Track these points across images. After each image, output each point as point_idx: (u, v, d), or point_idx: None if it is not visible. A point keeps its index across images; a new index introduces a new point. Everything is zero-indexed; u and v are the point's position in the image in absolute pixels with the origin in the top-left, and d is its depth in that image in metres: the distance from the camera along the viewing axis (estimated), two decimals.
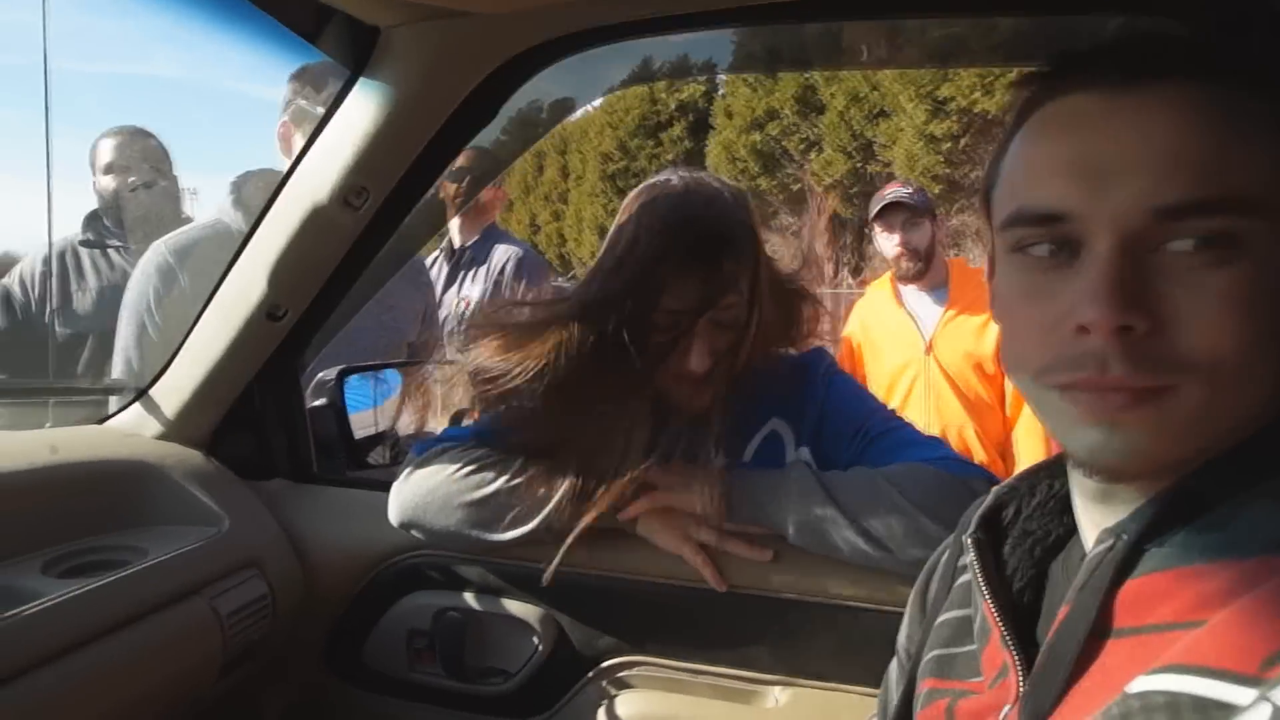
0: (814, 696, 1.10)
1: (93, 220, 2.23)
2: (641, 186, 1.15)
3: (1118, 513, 0.53)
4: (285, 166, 1.14)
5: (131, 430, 1.29)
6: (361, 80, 1.01)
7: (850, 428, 1.18)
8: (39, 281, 2.13)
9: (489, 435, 1.16)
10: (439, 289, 2.55)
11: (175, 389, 1.26)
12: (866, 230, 2.79)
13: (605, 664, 1.18)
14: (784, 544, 1.06)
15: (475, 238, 2.59)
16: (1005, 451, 2.41)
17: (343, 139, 1.05)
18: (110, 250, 2.21)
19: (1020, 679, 0.54)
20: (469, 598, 1.22)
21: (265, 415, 1.34)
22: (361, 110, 1.03)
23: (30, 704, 0.84)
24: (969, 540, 0.64)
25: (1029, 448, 2.28)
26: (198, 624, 1.05)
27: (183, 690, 1.07)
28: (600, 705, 1.17)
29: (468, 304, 2.50)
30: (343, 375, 1.47)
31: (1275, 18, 0.79)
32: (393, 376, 1.67)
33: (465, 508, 1.11)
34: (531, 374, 1.06)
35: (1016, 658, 0.56)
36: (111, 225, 2.23)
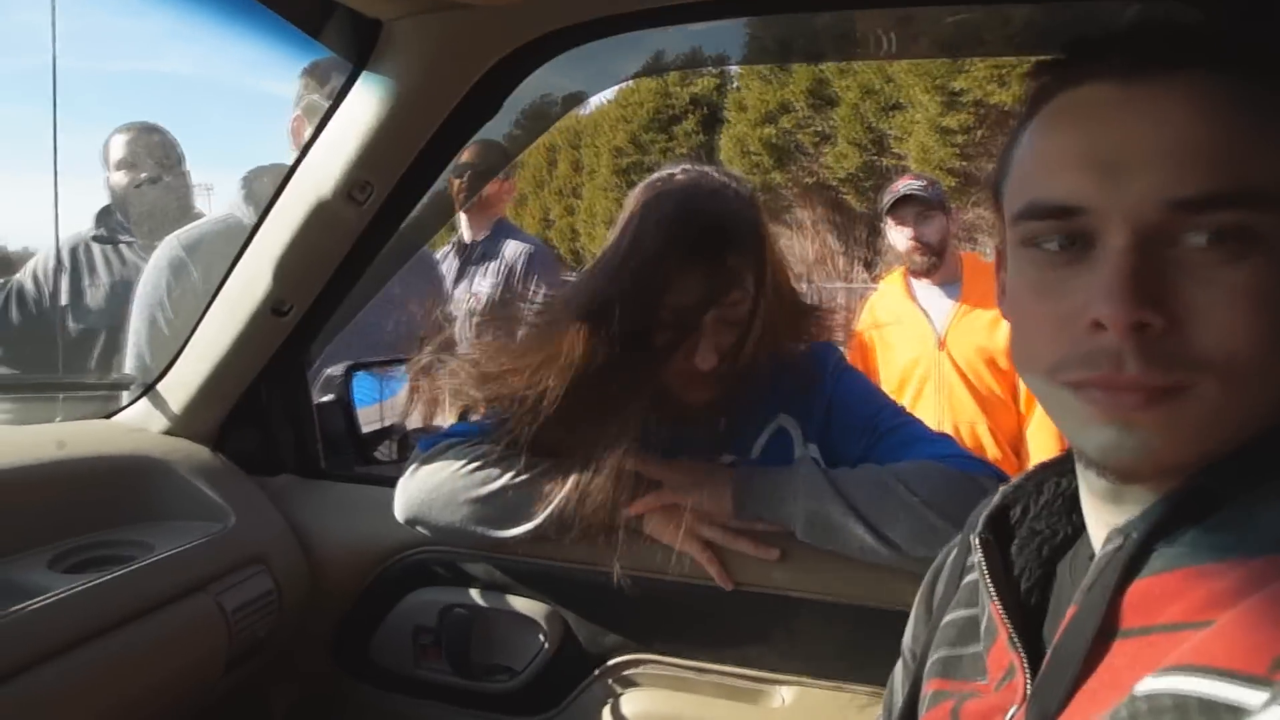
0: (820, 696, 1.09)
1: (105, 216, 2.23)
2: (646, 181, 1.14)
3: (1127, 512, 0.52)
4: None
5: (138, 425, 1.29)
6: (364, 74, 1.01)
7: (859, 424, 1.17)
8: (52, 277, 2.14)
9: (495, 432, 1.15)
10: (449, 284, 2.54)
11: (182, 384, 1.26)
12: (879, 224, 2.76)
13: (611, 662, 1.18)
14: (791, 542, 1.06)
15: (486, 233, 2.58)
16: (1018, 448, 2.39)
17: (346, 133, 1.05)
18: (123, 246, 2.21)
19: (1027, 680, 0.54)
20: (475, 594, 1.21)
21: (272, 411, 1.34)
22: (364, 104, 1.02)
23: (36, 698, 0.84)
24: (976, 540, 0.63)
25: (1042, 444, 2.26)
26: (203, 619, 1.06)
27: (188, 685, 1.07)
28: (606, 703, 1.17)
29: (478, 299, 2.49)
30: (350, 371, 1.47)
31: None
32: (402, 371, 1.66)
33: (470, 504, 1.11)
34: (537, 372, 1.06)
35: (1023, 658, 0.55)
36: (124, 221, 2.23)
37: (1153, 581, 0.48)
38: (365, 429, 1.51)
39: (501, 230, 2.61)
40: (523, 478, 1.10)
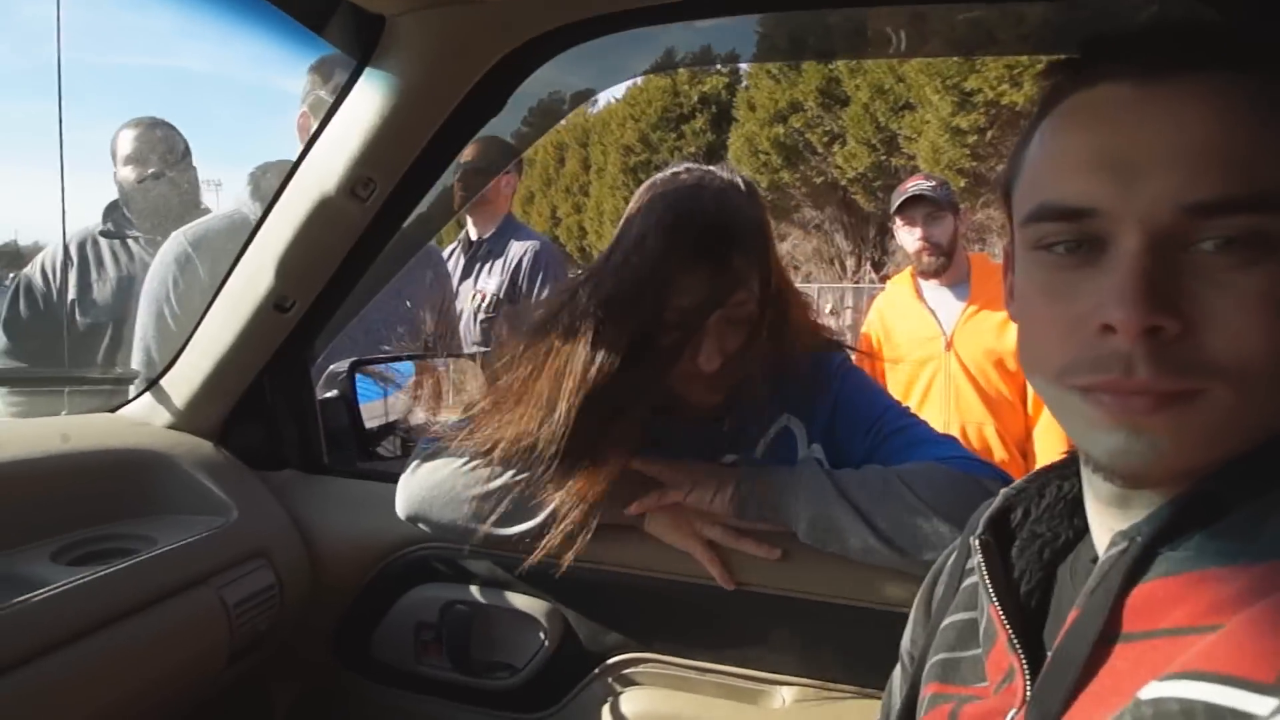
0: (821, 697, 1.08)
1: (113, 211, 2.24)
2: (650, 181, 1.14)
3: (1133, 517, 0.51)
4: None
5: (143, 419, 1.30)
6: (367, 70, 1.00)
7: (863, 425, 1.16)
8: (60, 271, 2.15)
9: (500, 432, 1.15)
10: (455, 281, 2.54)
11: (185, 379, 1.27)
12: (889, 224, 2.75)
13: (611, 660, 1.17)
14: (794, 542, 1.05)
15: (492, 230, 2.58)
16: (1026, 450, 2.38)
17: (349, 130, 1.05)
18: (130, 241, 2.22)
19: (1027, 683, 0.53)
20: (476, 591, 1.21)
21: (276, 406, 1.35)
22: (367, 100, 1.02)
23: (38, 690, 0.84)
24: (976, 542, 0.63)
25: (1049, 447, 2.24)
26: (205, 613, 1.06)
27: (190, 678, 1.07)
28: (606, 702, 1.16)
29: (483, 297, 2.49)
30: (354, 367, 1.47)
31: None
32: (406, 368, 1.67)
33: (471, 501, 1.11)
34: (541, 372, 1.05)
35: (1023, 661, 0.54)
36: (131, 216, 2.24)
37: (1156, 585, 0.47)
38: (369, 425, 1.51)
39: (508, 228, 2.60)
40: (524, 476, 1.09)
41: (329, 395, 1.44)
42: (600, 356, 1.03)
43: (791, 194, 15.96)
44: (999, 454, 2.35)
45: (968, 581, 0.68)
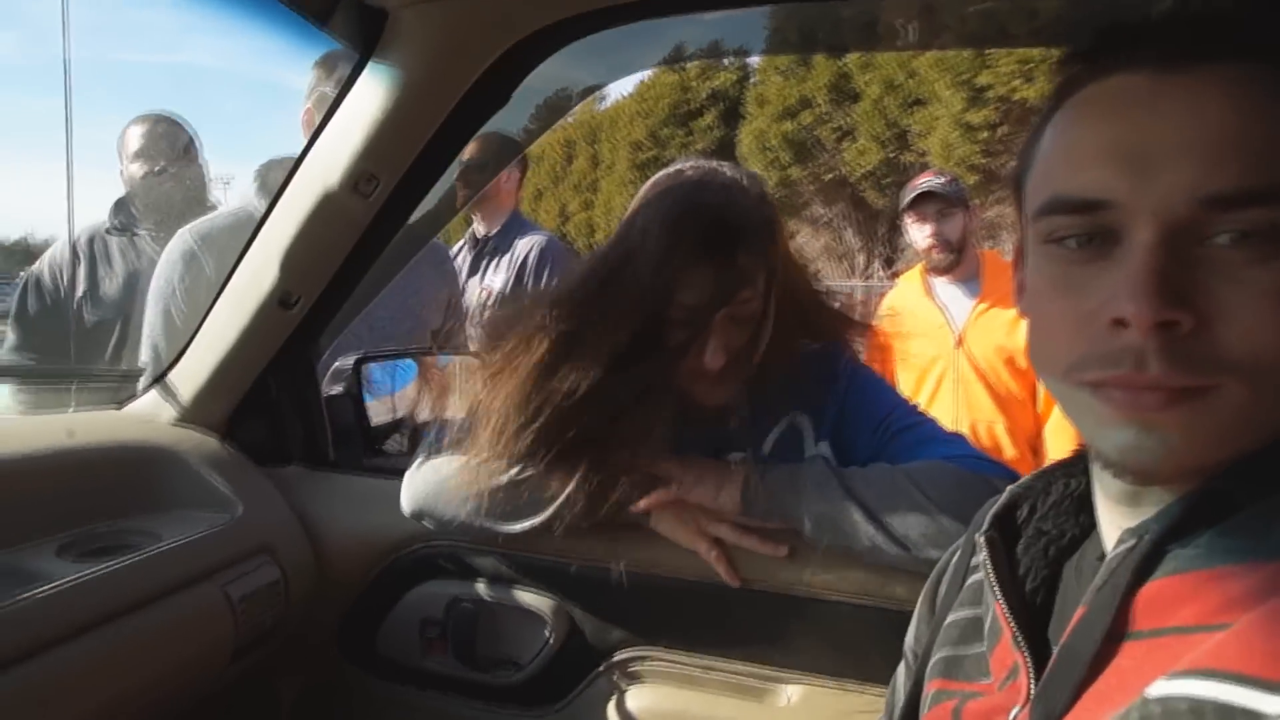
0: (827, 695, 1.08)
1: (120, 207, 2.24)
2: (655, 177, 1.13)
3: (1143, 515, 0.51)
4: None
5: (148, 415, 1.30)
6: (370, 64, 1.00)
7: (871, 422, 1.15)
8: (68, 268, 2.15)
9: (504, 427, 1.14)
10: (463, 278, 2.54)
11: (191, 375, 1.27)
12: (899, 221, 2.74)
13: (616, 657, 1.17)
14: (800, 540, 1.04)
15: (498, 227, 2.58)
16: (1036, 448, 2.37)
17: (352, 125, 1.04)
18: (138, 237, 2.22)
19: (1031, 680, 0.53)
20: (481, 588, 1.21)
21: (281, 402, 1.35)
22: (370, 95, 1.02)
23: (43, 685, 0.85)
24: (981, 539, 0.62)
25: (1060, 444, 2.23)
26: (209, 609, 1.06)
27: (195, 674, 1.08)
28: (611, 698, 1.16)
29: (489, 294, 2.49)
30: (360, 363, 1.47)
31: None
32: (412, 365, 1.66)
33: (476, 498, 1.10)
34: (541, 367, 1.05)
35: (1028, 658, 0.54)
36: (139, 212, 2.24)
37: (1165, 583, 0.47)
38: (376, 421, 1.51)
39: (514, 224, 2.59)
40: (529, 473, 1.09)
41: (335, 391, 1.44)
42: (600, 349, 1.02)
43: (801, 190, 15.91)
44: (1009, 452, 2.34)
45: (972, 578, 0.68)
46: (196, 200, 2.26)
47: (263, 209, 1.52)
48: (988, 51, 11.07)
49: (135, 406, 1.32)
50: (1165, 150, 0.46)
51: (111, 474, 1.13)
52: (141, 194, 2.21)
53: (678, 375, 1.06)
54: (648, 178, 1.15)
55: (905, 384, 2.49)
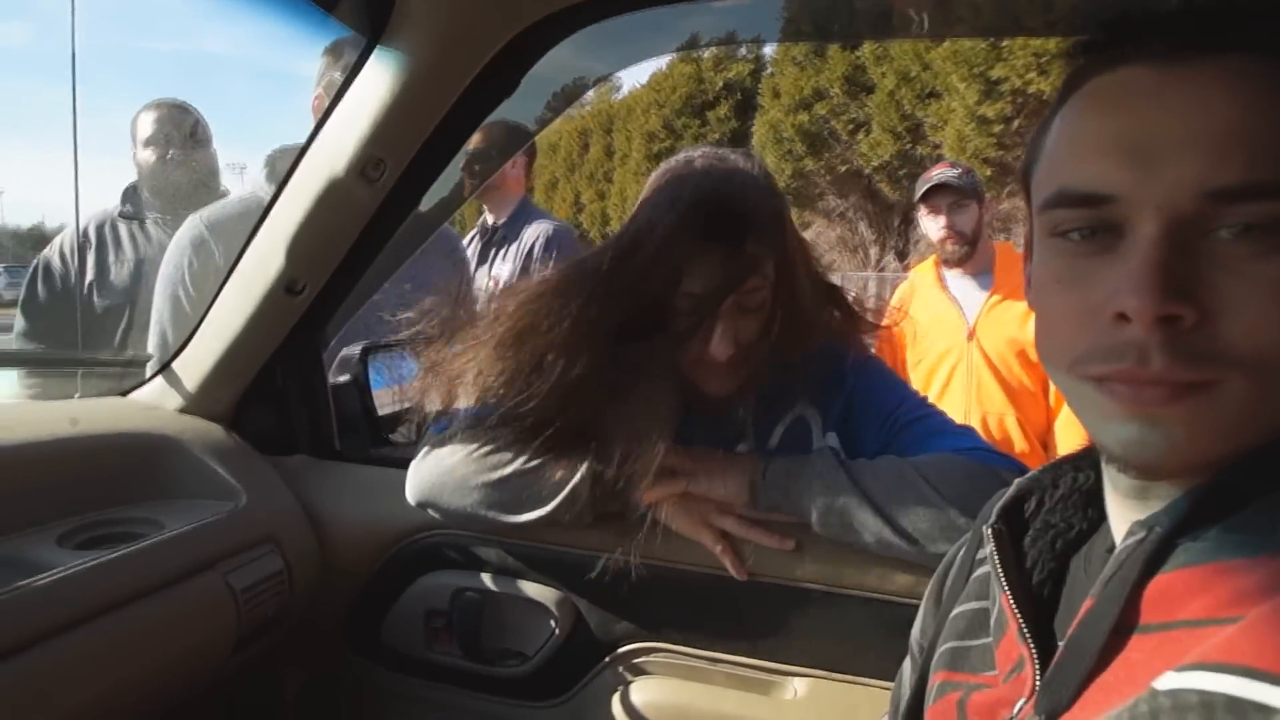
0: (834, 688, 1.07)
1: (131, 193, 2.24)
2: (664, 165, 1.12)
3: (1152, 506, 0.51)
4: None
5: (153, 403, 1.29)
6: (377, 49, 0.99)
7: (880, 415, 1.14)
8: (78, 253, 2.15)
9: (509, 415, 1.13)
10: (473, 268, 2.53)
11: (196, 362, 1.26)
12: (913, 213, 2.72)
13: (622, 650, 1.17)
14: (807, 533, 1.03)
15: (506, 216, 2.56)
16: (1047, 441, 2.35)
17: (358, 110, 1.03)
18: (149, 223, 2.22)
19: (1036, 673, 0.53)
20: (487, 579, 1.21)
21: (287, 390, 1.34)
22: (378, 80, 1.00)
23: (43, 674, 0.84)
24: (988, 531, 0.62)
25: (1071, 438, 2.21)
26: (212, 598, 1.05)
27: (197, 664, 1.07)
28: (616, 691, 1.15)
29: (497, 283, 2.48)
30: (366, 351, 1.46)
31: None
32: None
33: (482, 488, 1.10)
34: (544, 355, 1.04)
35: (1033, 651, 0.54)
36: (150, 198, 2.24)
37: (1175, 577, 0.46)
38: (383, 410, 1.50)
39: (522, 212, 2.58)
40: (535, 463, 1.08)
41: (341, 380, 1.43)
42: (606, 337, 1.01)
43: (816, 182, 15.86)
44: (1020, 445, 2.32)
45: (979, 571, 0.68)
46: (208, 186, 2.25)
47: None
48: (1003, 44, 11.00)
49: (140, 394, 1.32)
50: (1170, 144, 0.46)
51: (114, 462, 1.13)
52: (153, 180, 2.21)
53: (685, 364, 1.05)
54: None
55: (917, 376, 2.48)
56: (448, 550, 1.22)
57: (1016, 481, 0.66)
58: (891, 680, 0.84)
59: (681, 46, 1.26)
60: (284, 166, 1.85)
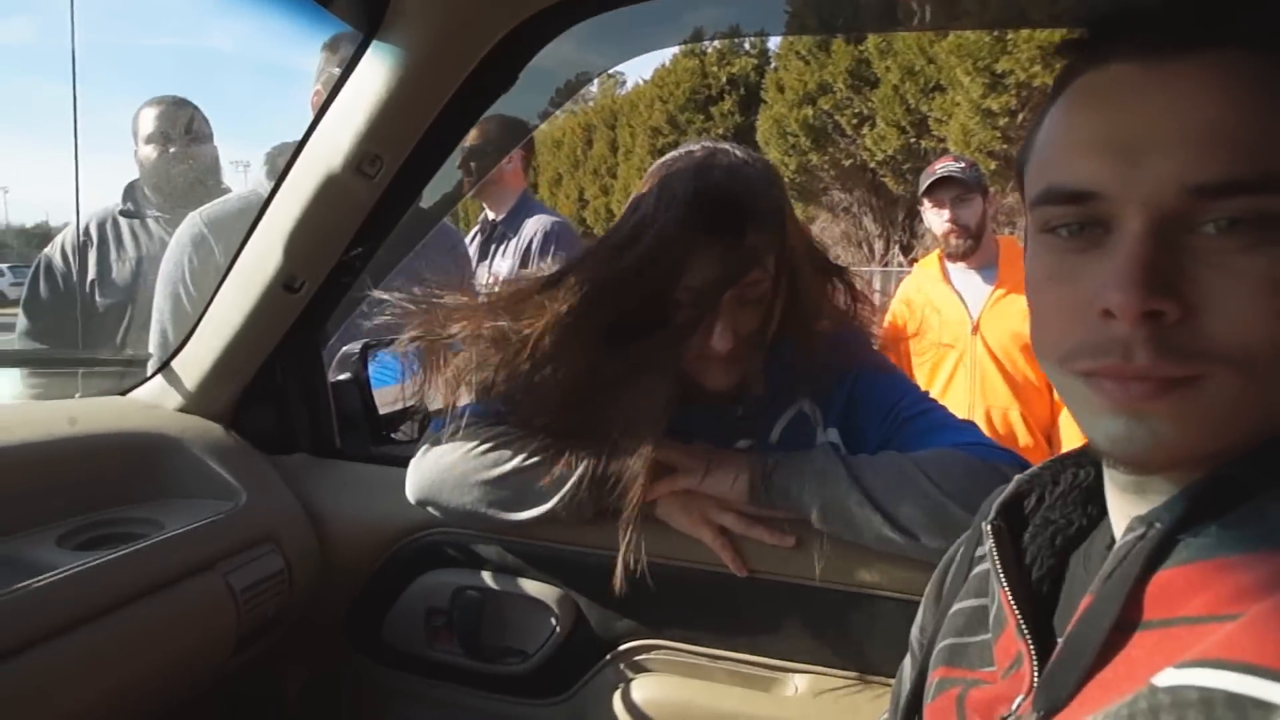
0: (835, 685, 1.07)
1: (133, 190, 2.24)
2: (663, 158, 1.11)
3: (1150, 502, 0.51)
4: None
5: (153, 402, 1.29)
6: (373, 44, 0.98)
7: (881, 409, 1.14)
8: (79, 252, 2.15)
9: (508, 413, 1.13)
10: (474, 264, 2.52)
11: (196, 361, 1.25)
12: (918, 207, 2.71)
13: (623, 647, 1.16)
14: (807, 529, 1.03)
15: (506, 211, 2.55)
16: (1051, 435, 2.35)
17: (355, 106, 1.02)
18: (150, 220, 2.22)
19: (1034, 669, 0.53)
20: (487, 577, 1.20)
21: (287, 389, 1.33)
22: (374, 75, 1.00)
23: (43, 674, 0.84)
24: (988, 527, 0.62)
25: (1075, 432, 2.19)
26: (211, 598, 1.05)
27: (197, 664, 1.07)
28: (617, 688, 1.15)
29: (496, 279, 2.47)
30: (367, 349, 1.45)
31: None
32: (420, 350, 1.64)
33: (481, 486, 1.09)
34: (543, 350, 1.03)
35: (1031, 647, 0.54)
36: (152, 195, 2.24)
37: (1175, 573, 0.46)
38: (384, 409, 1.50)
39: (522, 207, 2.57)
40: (534, 461, 1.07)
41: (341, 378, 1.43)
42: (604, 331, 1.00)
43: (820, 176, 15.84)
44: (1024, 439, 2.32)
45: (979, 568, 0.68)
46: (210, 183, 2.25)
47: None
48: (1008, 37, 10.96)
49: (139, 393, 1.31)
50: (1154, 140, 0.46)
51: (114, 462, 1.12)
52: (154, 177, 2.20)
53: (685, 360, 1.05)
54: None
55: (921, 371, 2.47)
56: (448, 548, 1.22)
57: (1016, 478, 0.66)
58: (892, 676, 0.84)
59: (685, 40, 1.25)
60: (284, 163, 1.85)
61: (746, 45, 17.22)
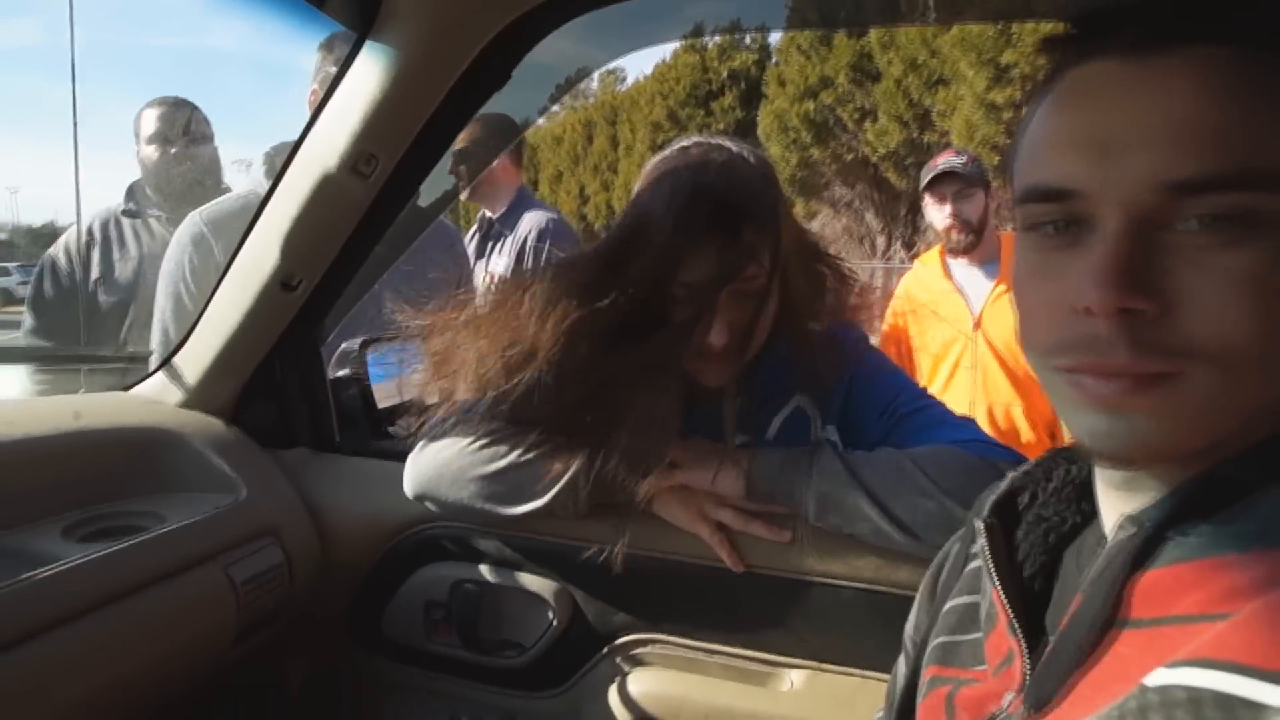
0: (830, 680, 1.07)
1: (134, 190, 2.25)
2: (660, 154, 1.11)
3: (1141, 500, 0.51)
4: None
5: (155, 398, 1.30)
6: (367, 44, 0.99)
7: (879, 406, 1.14)
8: (82, 251, 2.17)
9: (506, 409, 1.14)
10: (472, 262, 2.53)
11: (196, 357, 1.27)
12: (920, 202, 2.70)
13: (619, 641, 1.17)
14: (804, 525, 1.03)
15: (503, 209, 2.55)
16: (1054, 431, 2.34)
17: (350, 105, 1.03)
18: (152, 220, 2.23)
19: (1025, 666, 0.53)
20: (485, 570, 1.21)
21: (286, 384, 1.35)
22: (368, 74, 1.00)
23: (46, 664, 0.85)
24: (980, 524, 0.62)
25: None
26: (212, 590, 1.06)
27: (198, 656, 1.08)
28: (613, 682, 1.16)
29: (493, 278, 2.47)
30: (366, 345, 1.46)
31: None
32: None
33: (478, 481, 1.10)
34: (541, 347, 1.04)
35: (1022, 645, 0.54)
36: (154, 195, 2.25)
37: (1166, 572, 0.46)
38: (383, 404, 1.51)
39: (519, 204, 2.56)
40: (530, 455, 1.08)
41: (341, 374, 1.44)
42: (601, 327, 1.01)
43: (822, 171, 15.78)
44: (1026, 435, 2.31)
45: (972, 565, 0.68)
46: (211, 183, 2.26)
47: None
48: (1012, 30, 10.89)
49: (142, 389, 1.33)
50: (1132, 137, 0.46)
51: (116, 456, 1.14)
52: (156, 176, 2.21)
53: (682, 354, 1.05)
54: None
55: (922, 366, 2.47)
56: (446, 542, 1.23)
57: (1010, 475, 0.66)
58: (887, 672, 0.84)
59: (685, 35, 1.25)
60: (281, 162, 1.86)
61: (747, 40, 17.16)
